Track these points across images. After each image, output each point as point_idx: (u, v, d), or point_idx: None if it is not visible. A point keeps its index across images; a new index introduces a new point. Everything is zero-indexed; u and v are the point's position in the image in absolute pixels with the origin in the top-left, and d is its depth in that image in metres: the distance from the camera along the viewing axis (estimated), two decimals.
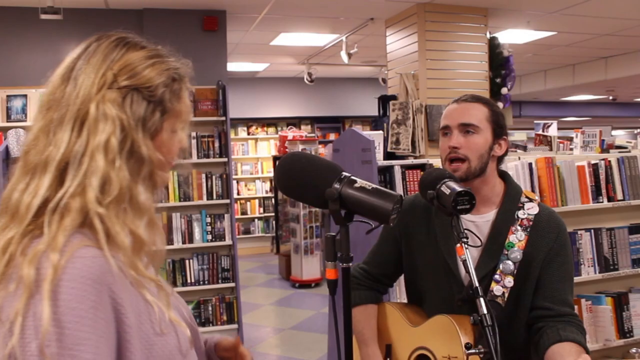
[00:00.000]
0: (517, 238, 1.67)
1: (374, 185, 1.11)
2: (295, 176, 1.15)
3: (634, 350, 1.28)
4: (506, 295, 1.63)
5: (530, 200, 1.73)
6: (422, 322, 1.70)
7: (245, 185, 10.83)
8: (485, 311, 1.23)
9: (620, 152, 3.86)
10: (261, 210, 10.77)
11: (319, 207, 1.15)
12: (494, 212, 1.72)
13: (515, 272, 1.64)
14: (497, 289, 1.64)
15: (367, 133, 3.06)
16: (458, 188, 1.39)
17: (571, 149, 4.81)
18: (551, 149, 4.80)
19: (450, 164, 1.69)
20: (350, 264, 1.12)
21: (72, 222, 0.86)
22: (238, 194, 10.56)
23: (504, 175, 1.79)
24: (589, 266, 3.16)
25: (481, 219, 1.71)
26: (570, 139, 6.82)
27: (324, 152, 9.75)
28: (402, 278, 1.95)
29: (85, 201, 0.87)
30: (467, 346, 1.39)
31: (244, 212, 10.61)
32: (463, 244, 1.35)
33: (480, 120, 1.69)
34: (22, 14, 5.32)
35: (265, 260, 9.64)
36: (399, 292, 2.80)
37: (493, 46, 5.66)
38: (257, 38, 7.18)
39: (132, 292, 0.90)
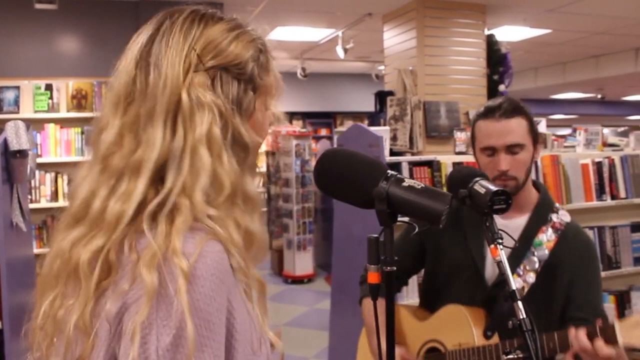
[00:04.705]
0: (547, 237, 1.65)
1: (423, 185, 1.06)
2: (339, 174, 1.08)
3: None
4: (525, 290, 1.61)
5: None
6: (430, 317, 1.69)
7: None
8: (524, 315, 1.20)
9: (613, 150, 3.86)
10: None
11: (361, 206, 1.09)
12: (527, 216, 1.70)
13: (538, 270, 1.63)
14: (517, 282, 1.61)
15: (375, 129, 3.02)
16: (493, 187, 1.34)
17: (565, 147, 4.81)
18: (545, 147, 4.81)
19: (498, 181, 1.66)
20: (395, 268, 1.08)
21: (185, 223, 0.75)
22: None
23: (537, 185, 1.78)
24: None
25: (512, 223, 1.68)
26: (563, 137, 6.83)
27: (317, 147, 9.71)
28: (413, 280, 1.92)
29: (193, 202, 0.76)
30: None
31: None
32: (498, 245, 1.31)
33: (524, 136, 1.65)
34: (16, 3, 5.19)
35: None
36: (406, 293, 2.76)
37: (491, 43, 5.65)
38: None
39: (240, 297, 0.80)
